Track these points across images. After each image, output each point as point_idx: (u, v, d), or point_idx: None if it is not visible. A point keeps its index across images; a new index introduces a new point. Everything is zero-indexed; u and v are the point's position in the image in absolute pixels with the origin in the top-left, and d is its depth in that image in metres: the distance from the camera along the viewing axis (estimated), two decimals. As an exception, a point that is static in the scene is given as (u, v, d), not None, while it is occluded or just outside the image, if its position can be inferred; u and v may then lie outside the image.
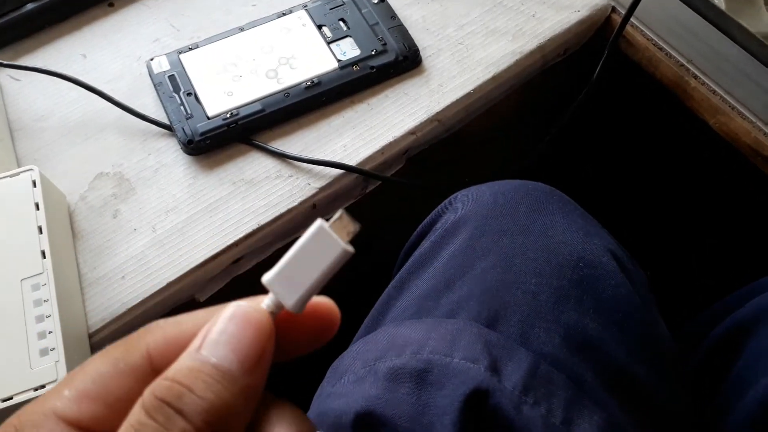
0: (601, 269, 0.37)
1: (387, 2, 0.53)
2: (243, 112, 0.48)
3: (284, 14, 0.52)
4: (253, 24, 0.52)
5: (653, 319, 0.38)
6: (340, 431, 0.33)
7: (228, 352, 0.19)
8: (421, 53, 0.51)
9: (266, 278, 0.21)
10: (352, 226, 0.21)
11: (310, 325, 0.21)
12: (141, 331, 0.21)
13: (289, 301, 0.21)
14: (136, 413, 0.18)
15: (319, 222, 0.21)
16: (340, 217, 0.21)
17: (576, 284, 0.36)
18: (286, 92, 0.49)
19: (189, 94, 0.48)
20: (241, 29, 0.51)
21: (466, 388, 0.31)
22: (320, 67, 0.50)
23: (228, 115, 0.47)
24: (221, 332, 0.19)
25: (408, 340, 0.34)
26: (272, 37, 0.51)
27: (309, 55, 0.50)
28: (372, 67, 0.50)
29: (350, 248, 0.21)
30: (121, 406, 0.20)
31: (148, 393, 0.18)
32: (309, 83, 0.49)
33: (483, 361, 0.32)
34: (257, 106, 0.48)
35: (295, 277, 0.21)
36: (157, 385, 0.18)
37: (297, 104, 0.49)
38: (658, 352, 0.37)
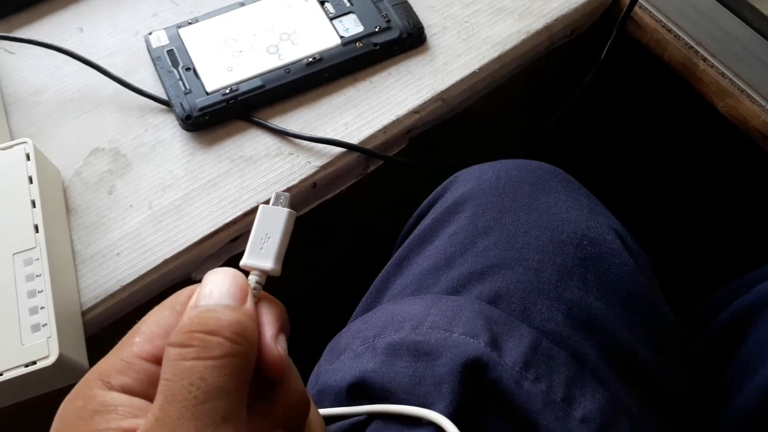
0: (605, 247, 0.36)
1: None
2: (243, 88, 0.47)
3: None
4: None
5: (657, 300, 0.37)
6: (336, 400, 0.32)
7: (221, 295, 0.23)
8: (426, 31, 0.50)
9: (243, 262, 0.26)
10: (285, 197, 0.27)
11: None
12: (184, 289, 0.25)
13: (268, 265, 0.25)
14: (170, 353, 0.22)
15: (261, 206, 0.27)
16: (274, 197, 0.27)
17: (579, 262, 0.35)
18: (287, 68, 0.48)
19: (188, 69, 0.47)
20: (242, 4, 0.50)
21: (464, 357, 0.31)
22: (322, 43, 0.49)
23: (227, 91, 0.46)
24: (210, 286, 0.23)
25: (407, 316, 0.34)
26: (274, 13, 0.50)
27: (311, 31, 0.49)
28: (375, 44, 0.49)
29: (293, 211, 0.26)
30: None
31: (173, 337, 0.22)
32: (310, 59, 0.48)
33: (483, 336, 0.31)
34: (257, 82, 0.47)
35: (263, 250, 0.26)
36: (179, 325, 0.22)
37: (298, 80, 0.48)
38: (662, 332, 0.36)
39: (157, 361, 0.23)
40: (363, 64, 0.49)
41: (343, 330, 0.38)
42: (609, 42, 0.51)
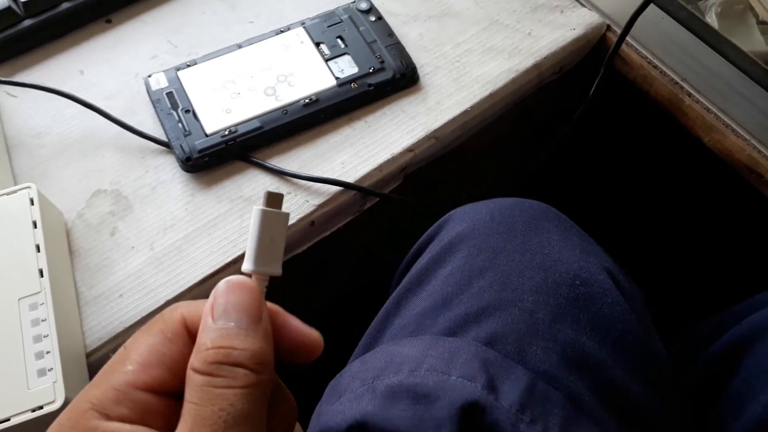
0: (597, 287, 0.37)
1: (384, 20, 0.53)
2: (241, 130, 0.48)
3: (282, 31, 0.52)
4: (251, 41, 0.52)
5: (649, 337, 0.38)
6: None
7: (238, 313, 0.24)
8: (419, 71, 0.52)
9: (246, 267, 0.26)
10: (279, 197, 0.27)
11: (301, 342, 0.26)
12: (170, 307, 0.25)
13: (276, 270, 0.26)
14: (195, 380, 0.23)
15: (257, 209, 0.26)
16: (267, 197, 0.26)
17: (572, 302, 0.36)
18: (284, 109, 0.49)
19: (187, 111, 0.49)
20: (239, 46, 0.52)
21: (462, 400, 0.32)
22: (318, 84, 0.50)
23: (226, 133, 0.47)
24: (225, 302, 0.24)
25: (406, 357, 0.34)
26: (270, 55, 0.51)
27: (307, 72, 0.50)
28: (370, 85, 0.50)
29: (288, 212, 0.27)
30: (179, 368, 0.24)
31: (198, 364, 0.23)
32: (307, 101, 0.49)
33: (480, 378, 0.32)
34: (255, 124, 0.48)
35: (266, 253, 0.26)
36: (201, 355, 0.23)
37: (295, 121, 0.49)
38: (655, 370, 0.37)
39: (153, 390, 0.23)
40: (358, 104, 0.50)
41: (344, 370, 0.38)
42: (597, 79, 0.53)
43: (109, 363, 0.24)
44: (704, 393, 0.45)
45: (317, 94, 0.50)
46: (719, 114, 0.51)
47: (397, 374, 0.34)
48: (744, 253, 0.61)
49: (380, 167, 0.49)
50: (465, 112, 0.51)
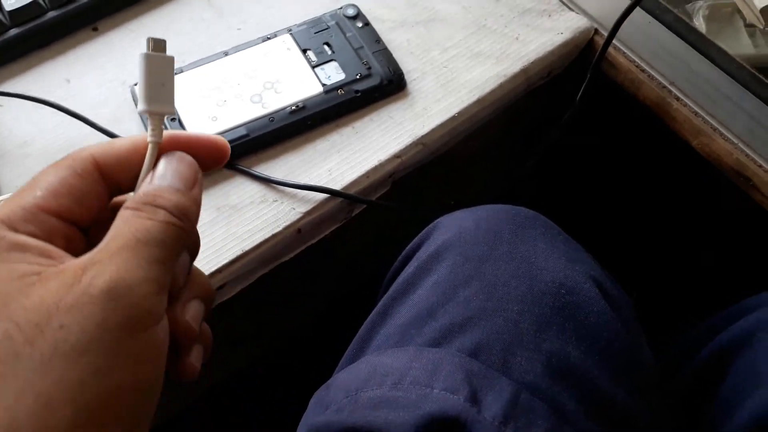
0: (582, 295, 0.37)
1: (371, 26, 0.53)
2: (228, 137, 0.47)
3: (269, 38, 0.52)
4: (238, 48, 0.52)
5: (636, 345, 0.38)
6: None
7: (174, 177, 0.27)
8: (406, 77, 0.52)
9: (140, 108, 0.28)
10: (162, 42, 0.29)
11: (210, 149, 0.29)
12: (79, 148, 0.27)
13: (169, 109, 0.29)
14: (124, 213, 0.25)
15: (143, 54, 0.28)
16: (151, 43, 0.28)
17: (558, 311, 0.36)
18: (270, 117, 0.49)
19: (173, 120, 0.48)
20: (226, 54, 0.52)
21: (444, 414, 0.31)
22: (305, 91, 0.50)
23: None
24: (164, 168, 0.27)
25: (389, 369, 0.34)
26: (257, 62, 0.51)
27: (294, 79, 0.50)
28: (357, 91, 0.50)
29: (172, 55, 0.29)
30: (87, 202, 0.26)
31: (127, 204, 0.26)
32: (294, 107, 0.49)
33: (463, 391, 0.32)
34: (242, 131, 0.48)
35: (158, 94, 0.28)
36: (135, 196, 0.26)
37: (282, 129, 0.49)
38: (642, 378, 0.37)
39: (61, 217, 0.25)
40: (345, 110, 0.50)
41: (329, 381, 0.38)
42: (584, 83, 0.53)
43: (19, 190, 0.26)
44: (694, 399, 0.45)
45: (304, 101, 0.49)
46: (707, 118, 0.51)
47: (380, 387, 0.34)
48: (733, 257, 0.61)
49: (367, 174, 0.49)
50: (452, 118, 0.51)
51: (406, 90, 0.52)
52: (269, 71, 0.51)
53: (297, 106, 0.49)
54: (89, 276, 0.23)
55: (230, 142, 0.47)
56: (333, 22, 0.53)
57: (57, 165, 0.26)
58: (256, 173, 0.48)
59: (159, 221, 0.25)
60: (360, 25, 0.53)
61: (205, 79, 0.50)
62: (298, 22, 0.53)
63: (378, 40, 0.52)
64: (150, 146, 0.28)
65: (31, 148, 0.49)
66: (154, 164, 0.28)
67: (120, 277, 0.23)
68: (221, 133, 0.48)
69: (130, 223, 0.25)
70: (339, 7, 0.54)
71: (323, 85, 0.50)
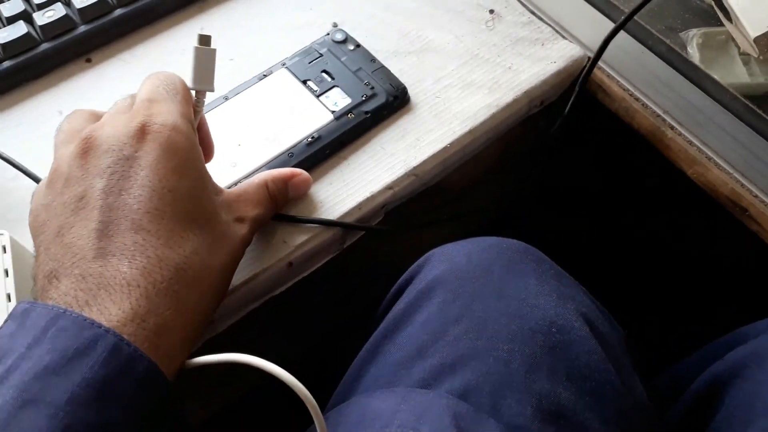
0: (573, 335, 0.37)
1: (363, 47, 0.53)
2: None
3: (265, 75, 0.52)
4: (237, 91, 0.51)
5: (628, 384, 0.38)
6: None
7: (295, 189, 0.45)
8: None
9: (190, 86, 0.40)
10: (208, 38, 0.40)
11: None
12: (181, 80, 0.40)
13: (209, 88, 0.40)
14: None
15: (194, 47, 0.39)
16: (199, 38, 0.39)
17: (549, 351, 0.36)
18: (289, 152, 0.48)
19: None
20: (226, 98, 0.51)
21: None
22: (316, 121, 0.49)
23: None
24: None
25: (377, 413, 0.34)
26: (260, 101, 0.51)
27: (301, 111, 0.50)
28: (366, 112, 0.50)
29: (215, 48, 0.40)
30: None
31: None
32: (310, 139, 0.49)
33: None
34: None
35: (203, 76, 0.40)
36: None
37: (303, 162, 0.48)
38: (634, 419, 0.36)
39: None
40: (359, 133, 0.50)
41: (318, 420, 0.38)
42: (572, 99, 0.52)
43: (176, 96, 0.39)
44: (687, 431, 0.44)
45: (318, 131, 0.49)
46: (702, 147, 0.50)
47: (369, 430, 0.33)
48: (729, 286, 0.60)
49: (360, 205, 0.48)
50: (445, 149, 0.50)
51: (399, 116, 0.51)
52: (276, 108, 0.50)
53: (313, 137, 0.49)
54: None
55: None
56: (324, 49, 0.53)
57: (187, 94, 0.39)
58: (248, 206, 0.47)
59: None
60: (351, 47, 0.53)
61: (212, 126, 0.50)
62: (289, 55, 0.53)
63: (373, 59, 0.52)
64: (196, 113, 0.40)
65: (20, 181, 0.49)
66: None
67: None
68: (244, 178, 0.47)
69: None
70: (326, 33, 0.54)
71: (332, 112, 0.50)
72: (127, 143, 0.34)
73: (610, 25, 0.51)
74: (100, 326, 0.28)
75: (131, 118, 0.35)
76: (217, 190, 0.38)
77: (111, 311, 0.30)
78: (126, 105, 0.38)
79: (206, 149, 0.42)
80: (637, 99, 0.53)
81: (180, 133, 0.35)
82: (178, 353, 0.32)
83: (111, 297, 0.30)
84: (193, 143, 0.36)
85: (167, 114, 0.36)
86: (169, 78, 0.39)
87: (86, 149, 0.35)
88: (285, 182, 0.43)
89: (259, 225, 0.41)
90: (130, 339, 0.29)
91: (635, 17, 0.51)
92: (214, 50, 0.39)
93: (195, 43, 0.39)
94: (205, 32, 0.39)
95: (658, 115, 0.52)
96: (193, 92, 0.40)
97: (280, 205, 0.44)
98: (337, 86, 0.51)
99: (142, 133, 0.35)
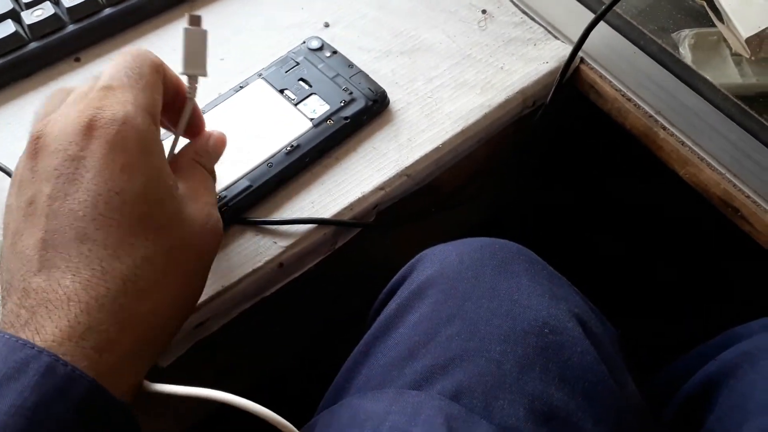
0: (566, 335, 0.36)
1: (340, 53, 0.53)
2: (232, 193, 0.46)
3: (242, 87, 0.51)
4: (214, 103, 0.50)
5: (621, 384, 0.38)
6: None
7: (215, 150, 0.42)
8: (390, 106, 0.51)
9: (180, 71, 0.39)
10: (198, 18, 0.38)
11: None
12: (151, 54, 0.38)
13: (202, 72, 0.39)
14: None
15: (183, 28, 0.38)
16: (189, 19, 0.38)
17: (541, 351, 0.35)
18: (269, 162, 0.47)
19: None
20: (203, 111, 0.50)
21: None
22: (295, 130, 0.49)
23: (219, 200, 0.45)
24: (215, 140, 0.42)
25: (369, 414, 0.33)
26: (237, 112, 0.50)
27: (279, 120, 0.49)
28: (346, 118, 0.50)
29: (206, 29, 0.39)
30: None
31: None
32: (289, 148, 0.48)
33: None
34: (245, 183, 0.46)
35: (195, 60, 0.38)
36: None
37: (282, 171, 0.47)
38: (626, 419, 0.36)
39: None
40: (339, 139, 0.50)
41: (311, 422, 0.37)
42: (553, 88, 0.52)
43: (140, 85, 0.36)
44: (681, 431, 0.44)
45: (297, 139, 0.48)
46: (694, 147, 0.50)
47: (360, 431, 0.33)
48: (721, 287, 0.60)
49: (351, 206, 0.48)
50: (437, 149, 0.50)
51: (390, 118, 0.51)
52: (253, 118, 0.50)
53: (292, 146, 0.48)
54: None
55: (235, 196, 0.46)
56: (301, 58, 0.52)
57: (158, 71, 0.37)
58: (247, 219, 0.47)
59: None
60: (328, 54, 0.53)
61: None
62: (273, 60, 0.53)
63: (350, 65, 0.52)
64: (188, 101, 0.39)
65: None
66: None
67: None
68: (224, 189, 0.46)
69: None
70: (302, 41, 0.54)
71: (311, 119, 0.49)
72: (73, 141, 0.32)
73: (602, 25, 0.51)
74: (33, 347, 0.26)
75: (81, 111, 0.33)
76: (177, 185, 0.36)
77: (47, 330, 0.28)
78: (83, 92, 0.35)
79: (196, 128, 0.41)
80: (629, 99, 0.53)
81: (131, 127, 0.32)
82: (127, 371, 0.30)
83: (50, 314, 0.28)
84: (146, 137, 0.33)
85: (119, 106, 0.33)
86: (138, 59, 0.36)
87: (36, 150, 0.32)
88: (208, 151, 0.41)
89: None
90: (67, 358, 0.27)
91: (628, 18, 0.51)
92: (206, 31, 0.38)
93: (185, 23, 0.38)
94: (187, 16, 0.38)
95: (651, 116, 0.52)
96: (185, 78, 0.39)
97: (213, 169, 0.42)
98: (315, 93, 0.51)
99: (89, 129, 0.32)
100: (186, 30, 0.37)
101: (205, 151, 0.40)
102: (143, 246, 0.31)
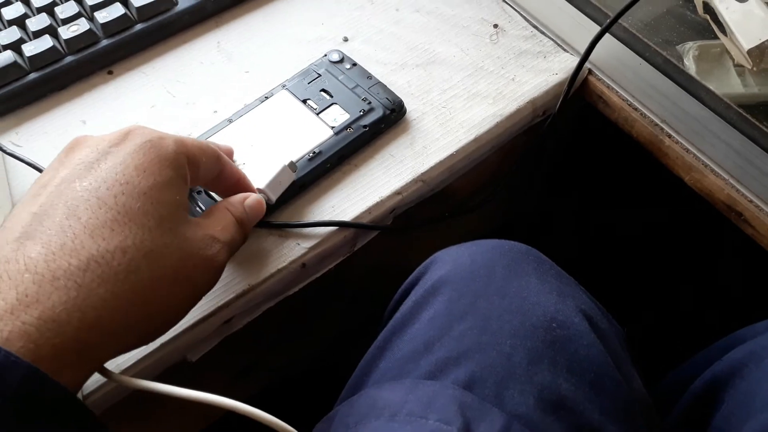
0: (573, 329, 0.38)
1: (359, 65, 0.55)
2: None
3: (267, 98, 0.54)
4: (240, 113, 0.53)
5: (627, 377, 0.39)
6: None
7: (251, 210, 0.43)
8: (407, 116, 0.54)
9: (260, 185, 0.46)
10: (294, 166, 0.47)
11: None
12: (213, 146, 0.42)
13: (273, 197, 0.46)
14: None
15: (283, 165, 0.47)
16: (289, 164, 0.47)
17: (549, 345, 0.37)
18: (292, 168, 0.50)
19: (199, 192, 0.49)
20: (230, 120, 0.53)
21: None
22: (317, 137, 0.52)
23: None
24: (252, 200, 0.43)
25: (387, 402, 0.36)
26: (262, 121, 0.53)
27: (303, 129, 0.52)
28: (365, 126, 0.52)
29: (294, 174, 0.48)
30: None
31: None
32: (311, 154, 0.51)
33: (456, 422, 0.33)
34: None
35: (274, 187, 0.46)
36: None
37: (305, 176, 0.50)
38: (632, 410, 0.38)
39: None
40: (358, 146, 0.52)
41: (330, 414, 0.40)
42: (561, 98, 0.54)
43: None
44: (687, 429, 0.45)
45: (318, 146, 0.51)
46: (698, 154, 0.52)
47: (377, 419, 0.35)
48: (726, 289, 0.62)
49: (369, 210, 0.51)
50: (451, 156, 0.53)
51: (407, 129, 0.54)
52: (278, 127, 0.52)
53: (314, 152, 0.51)
54: None
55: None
56: (322, 69, 0.55)
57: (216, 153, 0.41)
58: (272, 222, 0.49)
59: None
60: (348, 66, 0.56)
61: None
62: (295, 72, 0.56)
63: (369, 76, 0.55)
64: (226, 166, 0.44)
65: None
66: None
67: None
68: None
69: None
70: (323, 54, 0.56)
71: (332, 128, 0.52)
72: (107, 141, 0.34)
73: (608, 38, 0.54)
74: None
75: (124, 127, 0.36)
76: (188, 211, 0.36)
77: None
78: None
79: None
80: (635, 109, 0.55)
81: (162, 146, 0.34)
82: (76, 358, 0.27)
83: (2, 284, 0.27)
84: (172, 162, 0.34)
85: (159, 133, 0.35)
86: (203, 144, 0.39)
87: (72, 146, 0.34)
88: (242, 204, 0.42)
89: (233, 248, 0.39)
90: (4, 334, 0.25)
91: (634, 32, 0.53)
92: (293, 175, 0.47)
93: (286, 162, 0.47)
94: (294, 160, 0.48)
95: (656, 124, 0.54)
96: (260, 194, 0.45)
97: (247, 227, 0.41)
98: (336, 103, 0.54)
99: (126, 135, 0.35)
100: (284, 166, 0.46)
101: (239, 203, 0.42)
102: (125, 235, 0.30)
